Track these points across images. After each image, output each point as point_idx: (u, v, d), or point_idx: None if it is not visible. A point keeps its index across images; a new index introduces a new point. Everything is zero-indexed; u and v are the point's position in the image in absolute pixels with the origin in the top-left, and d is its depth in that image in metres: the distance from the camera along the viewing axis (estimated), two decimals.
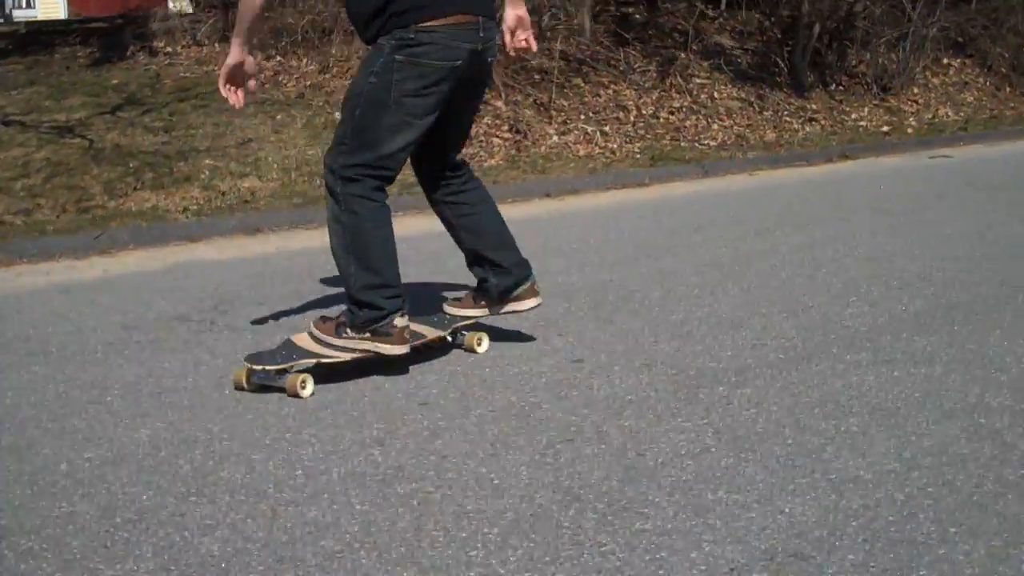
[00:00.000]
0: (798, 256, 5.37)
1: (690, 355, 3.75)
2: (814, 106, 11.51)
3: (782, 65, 11.90)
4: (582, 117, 10.21)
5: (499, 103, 10.09)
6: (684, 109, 10.81)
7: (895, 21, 12.63)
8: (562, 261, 5.37)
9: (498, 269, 3.70)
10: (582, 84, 10.79)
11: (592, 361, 3.71)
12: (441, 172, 3.65)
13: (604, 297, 4.59)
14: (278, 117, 9.51)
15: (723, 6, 12.57)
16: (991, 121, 11.83)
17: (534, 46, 3.62)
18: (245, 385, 3.41)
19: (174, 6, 13.09)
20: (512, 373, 3.59)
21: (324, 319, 3.54)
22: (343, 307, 3.58)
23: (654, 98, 10.90)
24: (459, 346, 3.84)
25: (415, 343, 3.56)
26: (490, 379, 3.54)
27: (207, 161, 8.53)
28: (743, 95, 11.32)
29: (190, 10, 12.69)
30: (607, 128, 10.13)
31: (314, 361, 3.42)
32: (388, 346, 3.39)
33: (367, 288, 3.37)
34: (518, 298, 3.73)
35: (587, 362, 3.71)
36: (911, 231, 5.96)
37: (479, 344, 3.81)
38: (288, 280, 5.14)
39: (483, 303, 3.80)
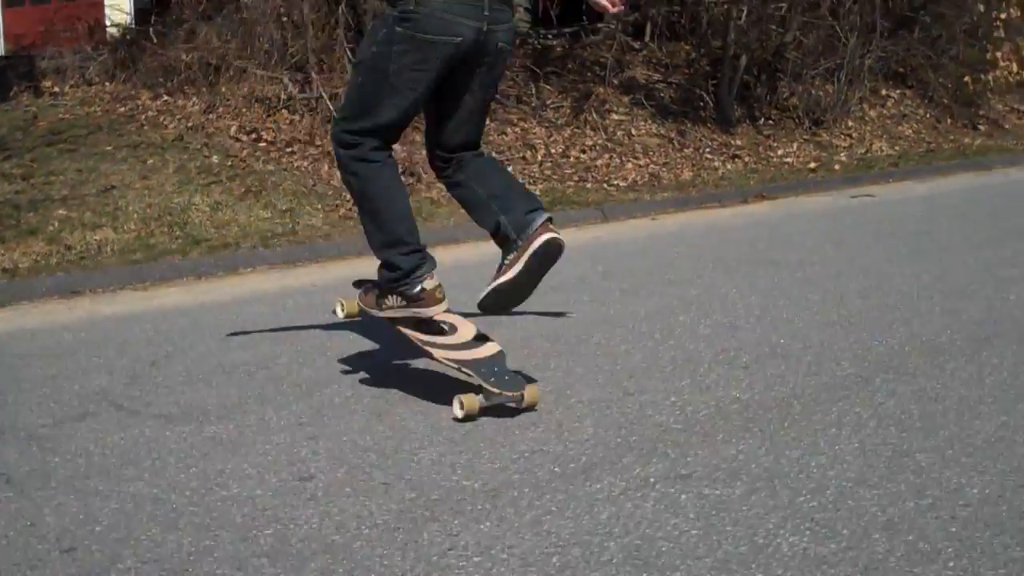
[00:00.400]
0: (650, 323, 4.67)
1: (440, 474, 3.03)
2: (739, 142, 10.86)
3: (707, 99, 11.26)
4: None
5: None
6: (597, 147, 10.15)
7: (831, 50, 12.01)
8: (367, 339, 4.63)
9: (506, 207, 3.46)
10: (488, 122, 10.08)
11: (325, 478, 3.00)
12: (448, 163, 3.57)
13: (387, 389, 3.87)
14: (149, 162, 8.81)
15: (647, 37, 11.92)
16: (927, 156, 11.20)
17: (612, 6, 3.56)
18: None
19: (110, 23, 12.30)
20: (213, 499, 2.87)
21: (366, 290, 3.60)
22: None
23: (565, 136, 10.24)
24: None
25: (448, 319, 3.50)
26: (180, 507, 2.82)
27: (60, 211, 7.83)
28: (663, 131, 10.67)
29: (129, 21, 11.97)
30: (510, 169, 9.43)
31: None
32: (424, 309, 3.43)
33: (383, 247, 3.42)
34: (535, 235, 3.40)
35: (316, 480, 2.99)
36: (791, 289, 5.28)
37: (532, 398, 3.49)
38: (57, 360, 4.42)
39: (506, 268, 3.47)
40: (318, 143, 9.36)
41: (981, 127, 12.85)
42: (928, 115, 12.71)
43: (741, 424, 3.32)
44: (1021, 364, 3.83)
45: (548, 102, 10.65)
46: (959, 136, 12.38)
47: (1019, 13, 12.42)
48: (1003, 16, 12.41)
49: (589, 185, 9.31)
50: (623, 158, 10.08)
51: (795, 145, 11.10)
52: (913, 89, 13.11)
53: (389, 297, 3.47)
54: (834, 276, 5.58)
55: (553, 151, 9.94)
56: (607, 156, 10.05)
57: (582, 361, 4.11)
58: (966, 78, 12.75)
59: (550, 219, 3.42)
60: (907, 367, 3.86)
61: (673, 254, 6.54)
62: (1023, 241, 6.46)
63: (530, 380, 3.60)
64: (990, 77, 12.59)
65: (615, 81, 11.13)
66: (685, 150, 10.48)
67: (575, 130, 10.36)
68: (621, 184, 9.44)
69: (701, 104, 11.26)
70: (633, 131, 10.61)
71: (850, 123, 11.88)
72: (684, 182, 9.62)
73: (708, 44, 11.90)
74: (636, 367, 4.00)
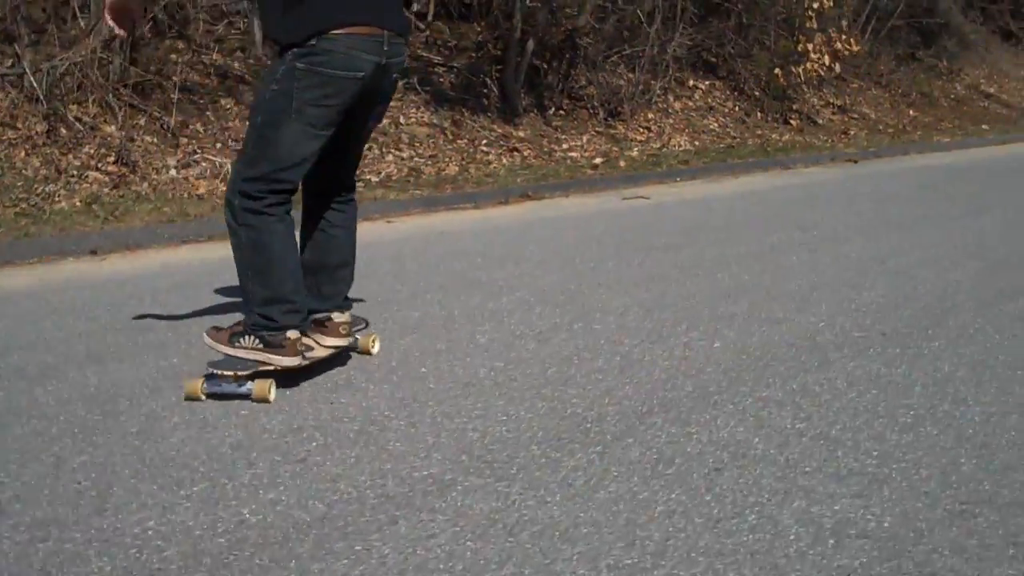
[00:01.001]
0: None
1: None
2: (521, 134, 9.87)
3: (492, 86, 10.23)
4: (217, 145, 8.34)
5: (111, 128, 8.15)
6: None
7: (635, 37, 11.10)
8: None
9: (315, 292, 3.54)
10: (232, 105, 8.91)
11: None
12: (329, 192, 3.54)
13: None
14: None
15: (431, 16, 10.84)
16: (724, 152, 10.37)
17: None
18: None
19: None
20: None
21: (217, 328, 3.43)
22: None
23: None
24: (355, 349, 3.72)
25: (308, 357, 3.43)
26: None
27: None
28: (436, 120, 9.60)
29: None
30: None
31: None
32: (279, 357, 3.30)
33: (264, 303, 3.29)
34: (324, 330, 3.54)
35: None
36: (466, 325, 4.26)
37: (374, 344, 3.79)
38: None
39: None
40: (18, 126, 8.05)
41: (792, 122, 12.14)
42: (737, 108, 11.94)
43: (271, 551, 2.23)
44: (680, 452, 2.84)
45: None
46: (767, 131, 11.63)
47: (831, 3, 11.69)
48: (815, 5, 11.67)
49: None
50: (384, 149, 9.00)
51: (585, 138, 10.17)
52: (724, 80, 12.32)
53: (245, 338, 3.33)
54: (529, 307, 4.58)
55: None
56: (366, 146, 8.94)
57: (120, 438, 2.99)
58: (777, 70, 11.99)
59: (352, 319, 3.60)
60: (528, 456, 2.83)
61: (370, 272, 5.46)
62: (779, 258, 5.58)
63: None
64: (800, 69, 11.85)
65: None
66: (458, 142, 9.45)
67: None
68: (373, 180, 8.35)
69: (485, 91, 10.23)
70: (402, 119, 9.53)
71: (650, 115, 11.02)
72: (446, 178, 8.57)
73: (499, 26, 10.88)
74: (186, 454, 2.89)
